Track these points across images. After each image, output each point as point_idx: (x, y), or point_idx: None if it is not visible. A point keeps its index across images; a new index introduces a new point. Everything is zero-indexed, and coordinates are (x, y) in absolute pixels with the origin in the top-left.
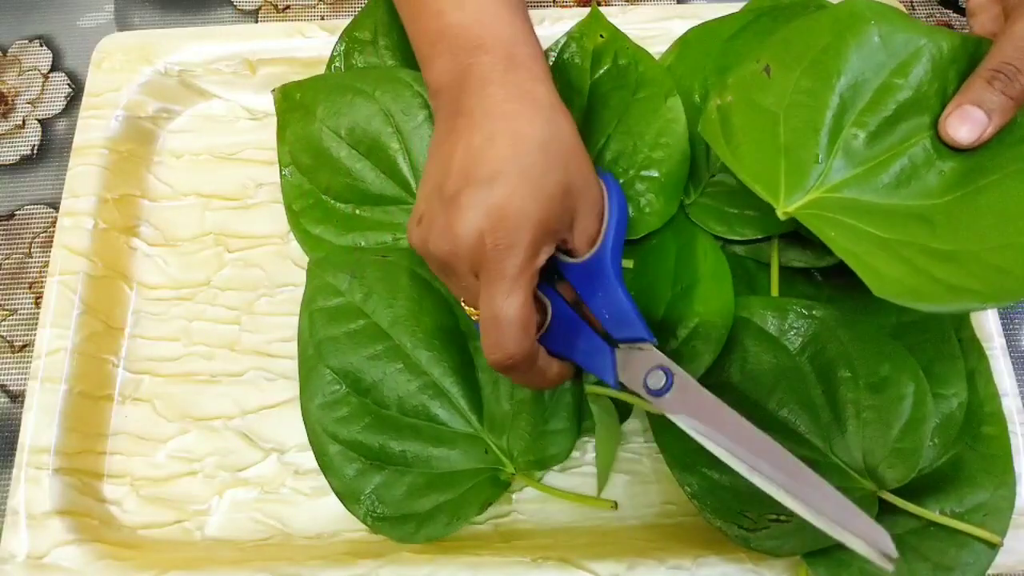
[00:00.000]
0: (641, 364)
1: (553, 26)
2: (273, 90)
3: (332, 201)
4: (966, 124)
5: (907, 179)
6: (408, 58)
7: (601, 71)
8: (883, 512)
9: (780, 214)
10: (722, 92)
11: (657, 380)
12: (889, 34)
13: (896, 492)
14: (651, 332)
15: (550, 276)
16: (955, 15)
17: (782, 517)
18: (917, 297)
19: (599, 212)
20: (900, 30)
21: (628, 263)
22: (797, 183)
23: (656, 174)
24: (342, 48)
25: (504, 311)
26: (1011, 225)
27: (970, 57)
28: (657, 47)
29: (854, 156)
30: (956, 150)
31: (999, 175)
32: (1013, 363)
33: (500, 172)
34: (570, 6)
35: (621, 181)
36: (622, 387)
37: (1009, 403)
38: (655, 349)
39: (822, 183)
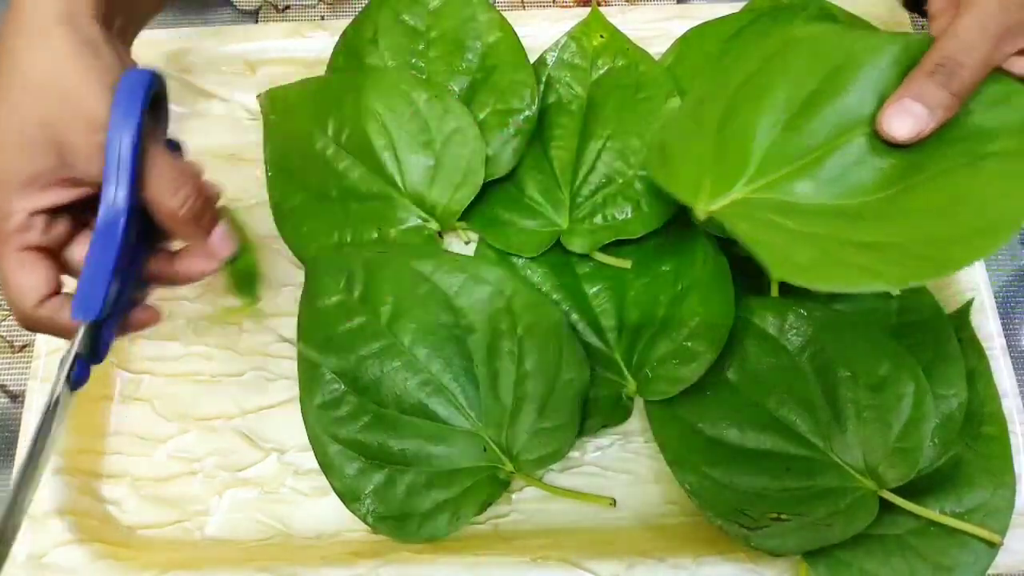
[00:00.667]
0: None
1: (553, 26)
2: (258, 96)
3: (318, 199)
4: (904, 119)
5: (839, 177)
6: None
7: (601, 71)
8: (883, 511)
9: (699, 213)
10: (660, 130)
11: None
12: (820, 41)
13: (896, 491)
14: (84, 310)
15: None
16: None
17: (783, 516)
18: (817, 277)
19: (96, 136)
20: (833, 39)
21: (627, 263)
22: (723, 186)
23: None
24: (342, 48)
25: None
26: (940, 220)
27: (914, 59)
28: (657, 47)
29: (784, 158)
30: (896, 146)
31: (933, 171)
32: (1013, 363)
33: None
34: (570, 6)
35: (620, 181)
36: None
37: (1009, 403)
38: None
39: (748, 184)
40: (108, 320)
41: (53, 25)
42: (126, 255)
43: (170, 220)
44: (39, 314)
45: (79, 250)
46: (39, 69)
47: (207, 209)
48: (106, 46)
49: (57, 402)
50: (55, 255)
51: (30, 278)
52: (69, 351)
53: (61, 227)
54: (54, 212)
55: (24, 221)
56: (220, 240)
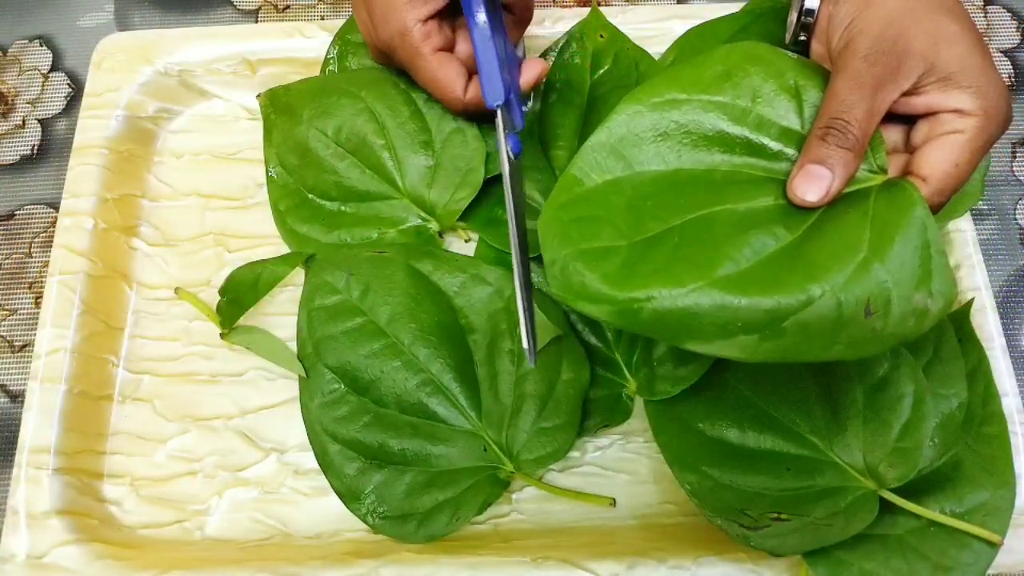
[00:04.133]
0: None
1: (553, 26)
2: (258, 95)
3: (318, 200)
4: (812, 183)
5: None
6: None
7: (601, 71)
8: (883, 511)
9: None
10: None
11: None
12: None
13: (896, 491)
14: (490, 96)
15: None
16: None
17: (783, 516)
18: None
19: None
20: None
21: None
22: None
23: None
24: (336, 51)
25: (429, 79)
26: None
27: None
28: (657, 47)
29: None
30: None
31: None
32: (1013, 363)
33: None
34: (570, 6)
35: None
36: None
37: (1009, 403)
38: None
39: None
40: (510, 95)
41: None
42: (500, 38)
43: None
44: (469, 98)
45: (463, 47)
46: None
47: None
48: None
49: (511, 167)
50: (452, 51)
51: (451, 71)
52: (502, 132)
53: (448, 29)
54: (438, 19)
55: (423, 29)
56: None
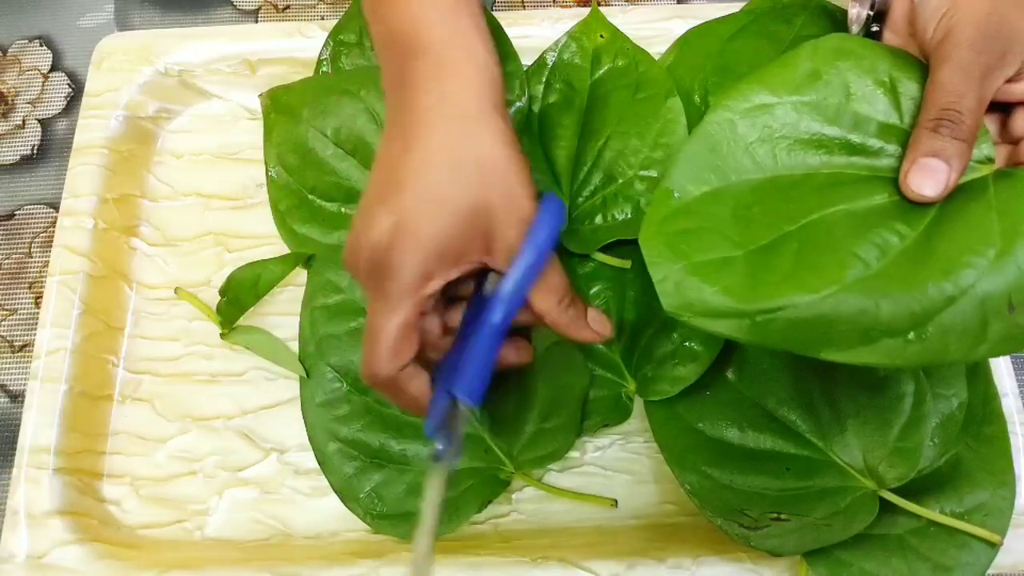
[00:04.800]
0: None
1: (553, 26)
2: (260, 95)
3: (318, 200)
4: (929, 177)
5: None
6: None
7: (601, 71)
8: (883, 511)
9: None
10: None
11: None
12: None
13: (896, 491)
14: (469, 393)
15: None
16: None
17: (782, 516)
18: None
19: (523, 235)
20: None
21: (627, 263)
22: None
23: (656, 174)
24: (329, 51)
25: (375, 331)
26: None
27: None
28: (657, 47)
29: None
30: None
31: None
32: (1013, 363)
33: (404, 187)
34: (570, 6)
35: (620, 181)
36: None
37: (1009, 403)
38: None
39: None
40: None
41: (490, 111)
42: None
43: (552, 324)
44: (394, 377)
45: (432, 320)
46: (478, 152)
47: (581, 312)
48: (519, 139)
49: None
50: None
51: (406, 344)
52: (454, 432)
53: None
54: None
55: (434, 290)
56: (596, 325)
